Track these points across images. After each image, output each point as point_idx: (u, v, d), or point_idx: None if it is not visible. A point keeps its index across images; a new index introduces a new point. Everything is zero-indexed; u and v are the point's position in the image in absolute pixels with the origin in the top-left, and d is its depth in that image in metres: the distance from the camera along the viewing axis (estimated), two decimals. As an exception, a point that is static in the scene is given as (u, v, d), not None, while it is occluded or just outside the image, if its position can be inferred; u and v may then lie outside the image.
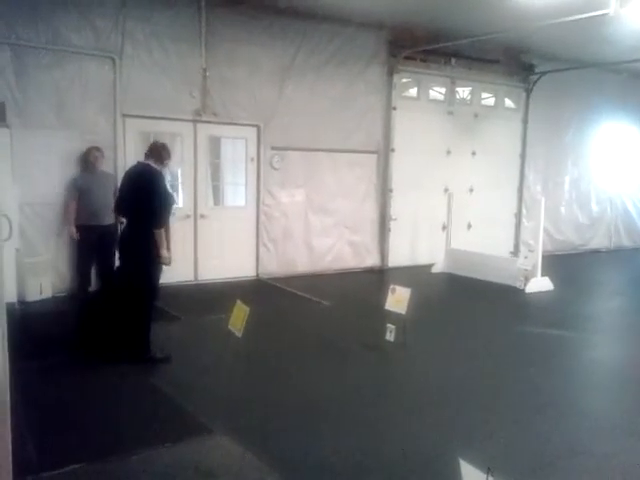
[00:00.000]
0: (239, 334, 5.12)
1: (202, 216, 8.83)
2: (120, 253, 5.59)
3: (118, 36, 7.84)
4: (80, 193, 7.25)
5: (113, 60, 7.84)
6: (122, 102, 7.97)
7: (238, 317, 5.16)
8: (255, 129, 9.11)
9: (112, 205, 7.47)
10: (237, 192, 9.38)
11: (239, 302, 5.24)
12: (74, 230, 7.24)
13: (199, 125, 8.66)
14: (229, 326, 5.26)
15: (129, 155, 8.16)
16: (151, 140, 8.45)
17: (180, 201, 8.83)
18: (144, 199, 5.21)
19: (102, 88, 7.82)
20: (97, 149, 7.45)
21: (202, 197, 8.88)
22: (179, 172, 8.83)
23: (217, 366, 5.47)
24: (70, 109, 7.63)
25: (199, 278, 8.86)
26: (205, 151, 8.86)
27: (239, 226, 9.21)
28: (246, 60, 8.79)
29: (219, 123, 8.76)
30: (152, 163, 5.41)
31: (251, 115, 8.97)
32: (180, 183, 8.83)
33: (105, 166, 7.63)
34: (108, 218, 7.39)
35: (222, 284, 8.64)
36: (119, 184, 5.85)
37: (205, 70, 8.49)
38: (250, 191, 9.25)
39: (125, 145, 8.10)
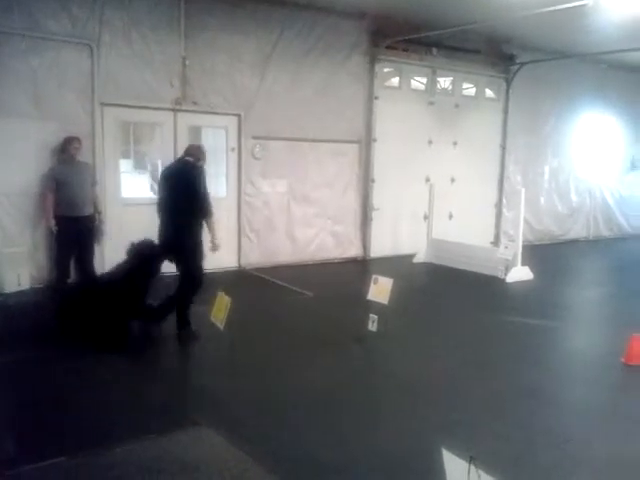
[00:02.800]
0: (221, 326, 5.10)
1: (183, 206, 8.73)
2: (168, 249, 5.73)
3: (96, 24, 7.70)
4: (58, 184, 7.12)
5: (91, 48, 7.70)
6: (100, 91, 7.84)
7: (220, 309, 5.14)
8: (236, 118, 9.03)
9: (90, 195, 7.42)
10: (218, 182, 9.29)
11: (221, 293, 5.22)
12: (53, 222, 7.12)
13: (179, 114, 8.56)
14: (211, 318, 5.24)
15: (107, 144, 8.06)
16: (130, 129, 8.41)
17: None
18: (192, 192, 5.52)
19: (80, 76, 7.69)
20: (77, 140, 7.32)
21: (183, 187, 8.77)
22: (159, 162, 8.72)
23: (200, 358, 5.45)
24: (47, 97, 7.49)
25: (180, 269, 8.77)
26: (185, 141, 8.71)
27: (221, 217, 9.07)
28: (226, 48, 8.69)
29: (199, 112, 8.67)
30: (191, 160, 5.75)
31: (232, 104, 8.89)
32: (160, 173, 8.71)
33: (83, 156, 7.51)
34: (87, 209, 7.29)
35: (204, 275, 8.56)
36: (157, 184, 6.18)
37: (185, 59, 8.38)
38: (231, 181, 9.18)
39: (104, 134, 7.98)
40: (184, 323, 5.83)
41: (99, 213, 7.63)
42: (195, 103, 8.57)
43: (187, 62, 8.40)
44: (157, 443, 3.71)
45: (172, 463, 3.48)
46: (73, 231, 7.15)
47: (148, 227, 8.33)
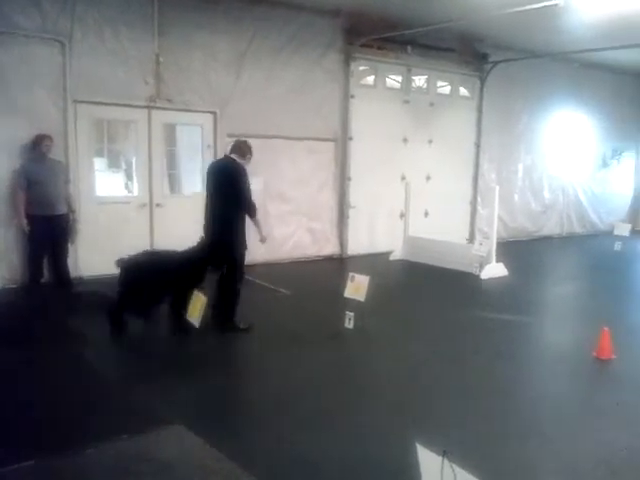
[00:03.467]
0: (197, 324, 5.08)
1: (158, 205, 8.67)
2: (213, 242, 5.86)
3: (67, 19, 7.58)
4: (30, 182, 7.02)
5: (62, 44, 7.59)
6: (73, 88, 7.72)
7: (195, 307, 5.12)
8: (211, 116, 8.98)
9: (63, 194, 7.32)
10: (194, 180, 9.24)
11: (196, 291, 5.20)
12: (25, 221, 7.01)
13: (153, 112, 8.48)
14: (186, 316, 5.22)
15: (81, 142, 7.95)
16: (104, 127, 8.31)
17: (135, 190, 8.66)
18: (236, 190, 5.76)
19: (51, 73, 7.56)
20: (48, 137, 7.21)
21: (158, 185, 8.71)
22: (133, 160, 8.64)
23: (174, 357, 5.41)
24: (17, 94, 7.34)
25: (156, 268, 8.71)
26: (160, 138, 8.69)
27: (197, 215, 9.06)
28: (201, 45, 8.63)
29: (174, 110, 8.60)
30: (236, 158, 5.94)
31: (207, 102, 8.83)
32: (135, 171, 8.64)
33: (55, 154, 7.40)
34: (60, 208, 7.20)
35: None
36: (205, 179, 6.33)
37: (158, 56, 8.30)
38: (207, 179, 9.12)
39: (77, 132, 7.87)
40: (225, 317, 5.99)
41: (73, 212, 7.54)
42: (170, 101, 8.49)
43: (161, 59, 8.32)
44: (130, 443, 3.67)
45: (146, 462, 3.45)
46: (46, 230, 7.06)
47: (123, 224, 8.36)
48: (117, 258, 5.80)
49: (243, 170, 5.88)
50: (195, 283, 5.62)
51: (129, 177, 8.78)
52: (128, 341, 5.76)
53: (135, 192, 8.65)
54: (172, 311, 5.88)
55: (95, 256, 8.11)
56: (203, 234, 6.04)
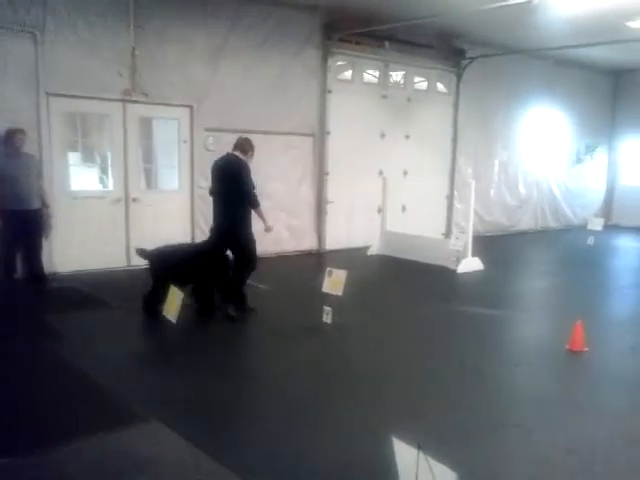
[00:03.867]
0: (174, 320, 5.05)
1: (134, 200, 8.59)
2: (220, 234, 6.27)
3: (39, 10, 7.44)
4: (2, 177, 6.91)
5: (35, 36, 7.45)
6: (46, 80, 7.60)
7: (172, 302, 5.09)
8: (188, 110, 8.91)
9: (37, 189, 7.21)
10: (170, 175, 9.16)
11: (173, 287, 5.17)
12: (-4, 216, 6.90)
13: (129, 105, 8.38)
14: (163, 312, 5.18)
15: (54, 136, 7.83)
16: (78, 120, 8.20)
17: (110, 184, 8.56)
18: (239, 184, 6.11)
19: (23, 65, 7.43)
20: (20, 131, 7.09)
21: (133, 180, 8.63)
22: (109, 154, 8.54)
23: (151, 353, 5.38)
24: (-13, 87, 7.21)
25: (132, 263, 8.63)
26: (136, 132, 8.59)
27: (173, 210, 9.02)
28: (177, 39, 8.54)
29: (150, 103, 8.51)
30: (238, 154, 6.28)
31: (183, 95, 8.76)
32: (110, 166, 8.54)
33: (29, 148, 7.28)
34: (34, 202, 7.10)
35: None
36: (210, 173, 6.54)
37: (134, 49, 8.20)
38: (184, 174, 9.06)
39: (50, 125, 7.75)
40: (234, 303, 6.31)
41: (47, 207, 7.43)
42: (145, 94, 8.40)
43: (137, 52, 8.22)
44: (106, 440, 3.64)
45: (123, 459, 3.43)
46: (20, 225, 6.96)
47: (98, 220, 8.27)
48: (138, 248, 6.34)
49: (246, 165, 6.23)
50: (218, 272, 6.22)
51: (104, 171, 8.67)
52: (103, 337, 5.70)
53: (110, 187, 8.55)
54: (202, 300, 6.30)
55: (70, 251, 8.03)
56: (213, 226, 6.47)
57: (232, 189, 6.17)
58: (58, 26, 7.60)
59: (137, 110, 8.47)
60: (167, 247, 6.27)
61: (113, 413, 4.05)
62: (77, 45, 7.77)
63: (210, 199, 6.61)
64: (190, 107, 8.89)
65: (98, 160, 8.74)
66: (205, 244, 6.47)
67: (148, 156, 8.96)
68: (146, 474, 3.30)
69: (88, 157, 8.69)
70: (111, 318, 6.36)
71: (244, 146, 6.35)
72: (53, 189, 7.77)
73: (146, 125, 8.83)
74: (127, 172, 8.53)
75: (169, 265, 6.00)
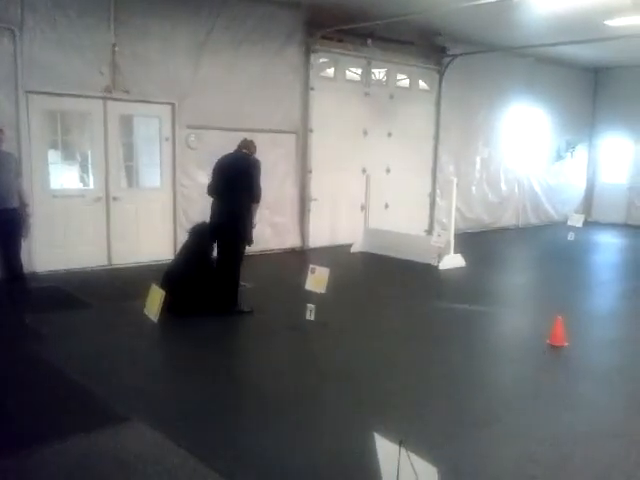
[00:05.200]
0: (155, 319, 5.03)
1: (115, 198, 8.51)
2: (219, 227, 6.32)
3: (17, 6, 7.33)
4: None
5: (13, 32, 7.34)
6: (25, 78, 7.49)
7: (154, 301, 5.07)
8: (169, 107, 8.84)
9: (15, 187, 7.10)
10: (152, 173, 9.09)
11: (154, 285, 5.14)
12: (-26, 215, 6.77)
13: (109, 103, 8.30)
14: (145, 311, 5.15)
15: (34, 134, 7.73)
16: (58, 118, 8.10)
17: (91, 183, 8.48)
18: (248, 179, 6.23)
19: (1, 63, 7.31)
20: (-1, 130, 6.98)
21: (114, 178, 8.55)
22: (89, 152, 8.45)
23: (132, 353, 5.34)
24: (-35, 84, 7.10)
25: (113, 263, 8.57)
26: (116, 130, 8.51)
27: (155, 208, 8.95)
28: (159, 35, 8.47)
29: (131, 101, 8.43)
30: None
31: (165, 93, 8.69)
32: (90, 164, 8.45)
33: (7, 146, 7.16)
34: (12, 201, 6.97)
35: (137, 268, 8.39)
36: (211, 170, 6.56)
37: (115, 45, 8.12)
38: (165, 172, 9.00)
39: (29, 123, 7.65)
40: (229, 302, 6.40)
41: (26, 206, 7.32)
42: (126, 91, 8.32)
43: (117, 49, 8.13)
44: (87, 440, 3.60)
45: (105, 460, 3.40)
46: (-2, 224, 6.83)
47: (78, 218, 8.19)
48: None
49: (258, 162, 6.41)
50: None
51: (84, 170, 8.57)
52: (85, 337, 5.65)
53: (91, 185, 8.47)
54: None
55: (50, 250, 7.94)
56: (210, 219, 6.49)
57: (241, 187, 6.24)
58: (37, 23, 7.50)
59: (118, 108, 8.39)
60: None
61: (95, 413, 4.01)
62: (57, 42, 7.67)
63: (197, 197, 6.66)
64: (172, 104, 8.82)
65: (78, 158, 8.64)
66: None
67: (129, 154, 8.88)
68: (129, 474, 3.28)
69: (68, 155, 8.59)
70: (92, 317, 6.30)
71: (250, 147, 6.54)
72: (32, 187, 7.67)
73: (127, 123, 8.74)
74: (108, 170, 8.45)
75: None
